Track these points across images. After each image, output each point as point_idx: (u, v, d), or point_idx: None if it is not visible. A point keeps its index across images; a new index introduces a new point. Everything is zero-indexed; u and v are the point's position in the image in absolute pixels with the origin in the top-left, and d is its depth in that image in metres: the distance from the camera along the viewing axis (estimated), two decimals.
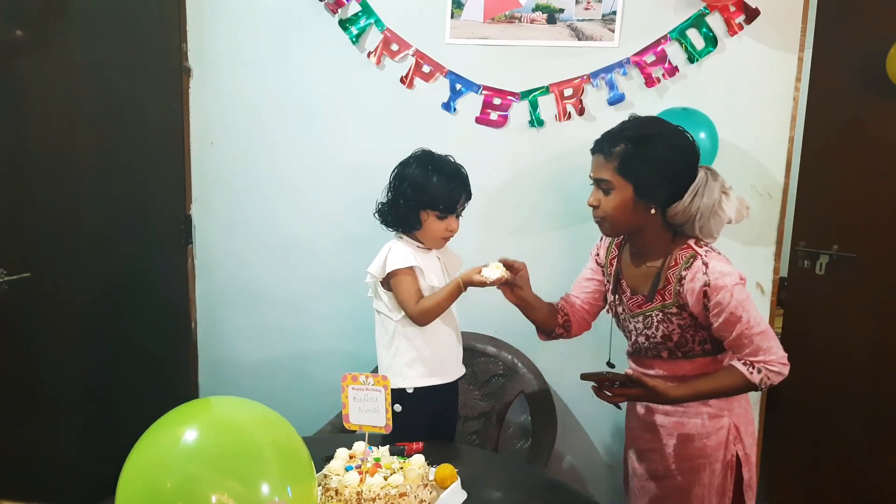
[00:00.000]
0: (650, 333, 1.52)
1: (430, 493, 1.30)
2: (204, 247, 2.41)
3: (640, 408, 1.61)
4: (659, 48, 2.06)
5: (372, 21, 2.17)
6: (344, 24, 2.18)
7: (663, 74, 2.07)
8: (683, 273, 1.44)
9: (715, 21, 2.03)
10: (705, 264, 1.41)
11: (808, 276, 2.35)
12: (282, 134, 2.30)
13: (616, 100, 2.10)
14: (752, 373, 1.40)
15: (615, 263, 1.64)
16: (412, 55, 2.17)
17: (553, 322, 1.73)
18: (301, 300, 2.38)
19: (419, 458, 1.34)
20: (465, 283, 1.57)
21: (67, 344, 1.95)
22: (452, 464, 1.38)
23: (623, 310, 1.61)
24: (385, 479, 1.26)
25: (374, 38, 2.18)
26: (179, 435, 0.88)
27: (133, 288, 2.19)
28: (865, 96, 2.26)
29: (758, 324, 1.40)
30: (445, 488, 1.32)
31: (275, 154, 2.32)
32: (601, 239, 1.71)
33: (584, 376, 1.48)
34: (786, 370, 1.41)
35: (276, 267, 2.38)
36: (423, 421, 1.68)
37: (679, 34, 2.05)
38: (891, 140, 2.26)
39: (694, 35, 2.05)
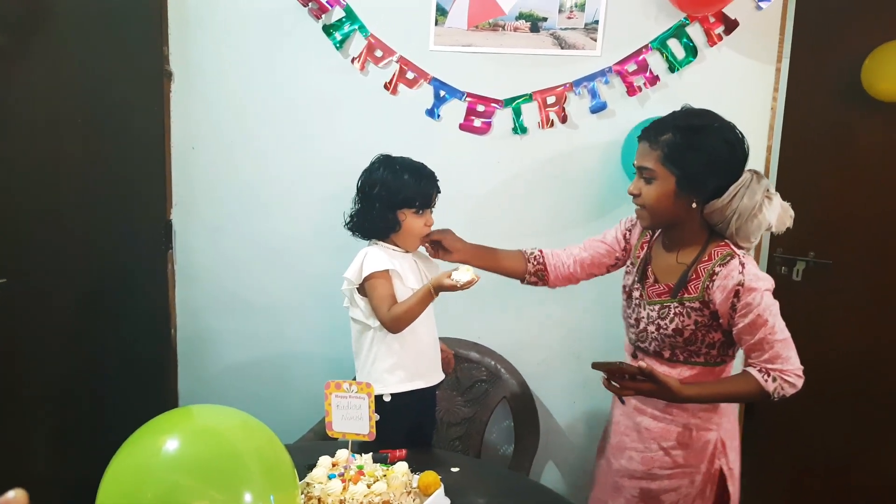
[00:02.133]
0: (662, 324, 1.48)
1: (414, 500, 1.29)
2: (185, 252, 2.38)
3: (629, 405, 1.59)
4: (640, 57, 2.09)
5: (356, 27, 2.17)
6: (328, 29, 2.18)
7: (644, 83, 2.10)
8: (717, 269, 1.41)
9: (695, 31, 2.07)
10: (742, 264, 1.39)
11: (785, 283, 2.39)
12: (264, 139, 2.29)
13: (598, 108, 2.13)
14: (766, 381, 1.38)
15: (645, 248, 1.61)
16: (396, 61, 2.17)
17: (519, 269, 1.74)
18: (283, 306, 2.37)
19: (402, 466, 1.34)
20: (436, 289, 1.56)
21: (46, 350, 1.92)
22: (436, 471, 1.38)
23: (640, 295, 1.56)
24: (368, 486, 1.26)
25: (358, 43, 2.19)
26: (161, 444, 0.87)
27: (113, 293, 2.16)
28: (842, 106, 2.30)
29: (781, 331, 1.39)
30: (429, 495, 1.32)
31: (257, 159, 2.31)
32: (636, 218, 1.65)
33: (596, 365, 1.45)
34: (800, 383, 1.39)
35: (257, 273, 2.36)
36: (401, 427, 1.67)
37: (660, 44, 2.08)
38: (866, 148, 2.31)
39: (674, 45, 2.08)
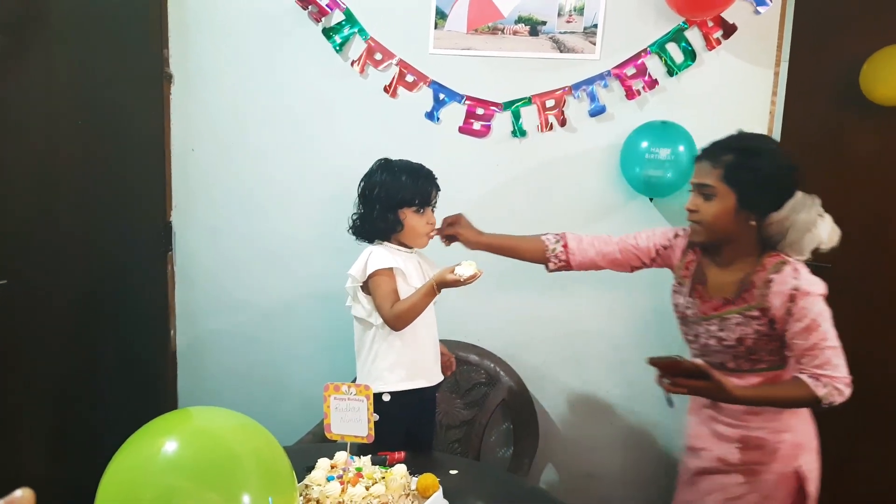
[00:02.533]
0: (723, 336, 1.51)
1: (412, 502, 1.30)
2: (184, 254, 2.39)
3: (706, 412, 1.60)
4: (639, 61, 2.10)
5: (356, 30, 2.18)
6: (328, 32, 2.19)
7: (643, 87, 2.10)
8: (772, 276, 1.46)
9: (694, 36, 2.08)
10: (796, 270, 1.45)
11: None
12: (263, 141, 2.30)
13: (597, 111, 2.13)
14: (817, 386, 1.40)
15: (692, 267, 1.64)
16: (396, 64, 2.18)
17: (539, 257, 1.76)
18: (282, 308, 2.37)
19: (401, 468, 1.34)
20: (439, 285, 1.57)
21: (45, 352, 1.92)
22: (434, 473, 1.38)
23: (694, 312, 1.60)
24: (367, 489, 1.26)
25: (357, 47, 2.19)
26: (159, 446, 0.87)
27: (112, 295, 2.16)
28: (840, 110, 2.31)
29: (833, 339, 1.42)
30: (427, 498, 1.32)
31: (256, 162, 2.32)
32: (675, 235, 1.68)
33: (652, 361, 1.47)
34: (848, 392, 1.41)
35: (256, 274, 2.37)
36: (400, 428, 1.68)
37: (659, 48, 2.09)
38: (865, 153, 2.32)
39: (673, 49, 2.09)
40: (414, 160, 1.72)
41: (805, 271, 1.46)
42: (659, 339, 2.18)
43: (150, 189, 2.31)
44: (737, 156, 1.49)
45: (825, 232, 1.49)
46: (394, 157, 1.73)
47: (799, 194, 1.50)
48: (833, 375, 1.41)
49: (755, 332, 1.48)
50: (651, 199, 2.11)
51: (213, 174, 2.34)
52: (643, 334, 2.20)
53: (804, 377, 1.42)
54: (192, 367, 2.45)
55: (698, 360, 1.50)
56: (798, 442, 1.52)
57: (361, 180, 1.71)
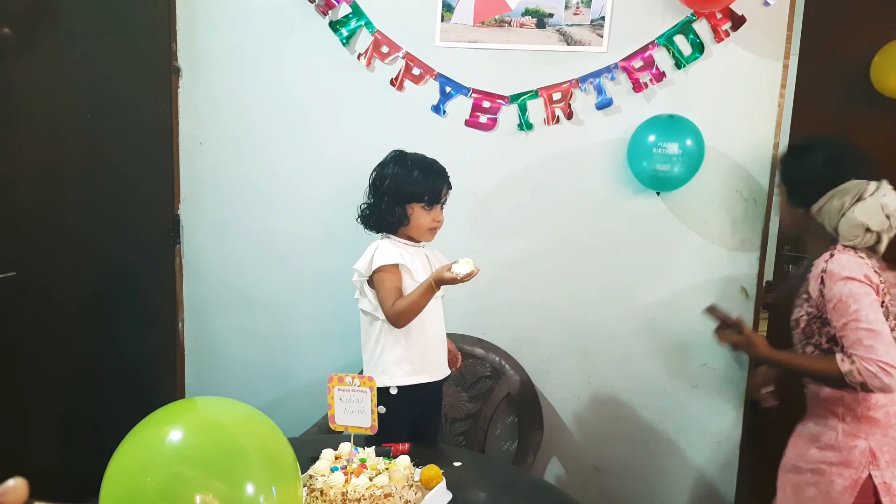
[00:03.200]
0: (791, 317, 1.59)
1: (416, 493, 1.30)
2: (192, 247, 2.40)
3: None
4: (647, 53, 2.08)
5: (362, 23, 2.17)
6: (334, 25, 2.19)
7: (651, 80, 2.09)
8: (814, 262, 1.52)
9: (702, 28, 2.06)
10: (831, 254, 1.48)
11: None
12: (271, 134, 2.30)
13: (604, 104, 2.12)
14: (843, 361, 1.40)
15: None
16: (402, 57, 2.17)
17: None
18: (288, 301, 2.38)
19: (404, 459, 1.35)
20: (437, 282, 1.57)
21: (53, 343, 1.94)
22: (438, 465, 1.38)
23: None
24: (370, 479, 1.27)
25: (364, 39, 2.19)
26: (164, 435, 0.88)
27: (120, 288, 2.18)
28: (849, 103, 2.29)
29: (868, 321, 1.40)
30: (431, 489, 1.33)
31: (263, 155, 2.32)
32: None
33: (709, 309, 1.64)
34: (886, 378, 1.36)
35: (264, 268, 2.38)
36: (406, 422, 1.69)
37: (666, 40, 2.07)
38: (875, 145, 2.29)
39: (681, 41, 2.07)
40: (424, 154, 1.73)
41: (841, 255, 1.47)
42: (664, 333, 2.18)
43: (158, 182, 2.33)
44: (785, 153, 1.65)
45: (864, 214, 1.47)
46: (407, 150, 1.73)
47: (850, 182, 1.50)
48: (864, 356, 1.38)
49: (806, 315, 1.53)
50: (658, 194, 2.10)
51: (221, 168, 2.35)
52: (649, 328, 2.19)
53: (836, 354, 1.43)
54: (199, 360, 2.47)
55: (737, 315, 1.62)
56: (875, 451, 1.47)
57: (374, 170, 1.72)
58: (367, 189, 1.72)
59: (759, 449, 2.36)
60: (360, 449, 1.39)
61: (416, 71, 2.18)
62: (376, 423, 1.34)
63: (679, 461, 2.23)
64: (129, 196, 2.19)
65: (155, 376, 2.38)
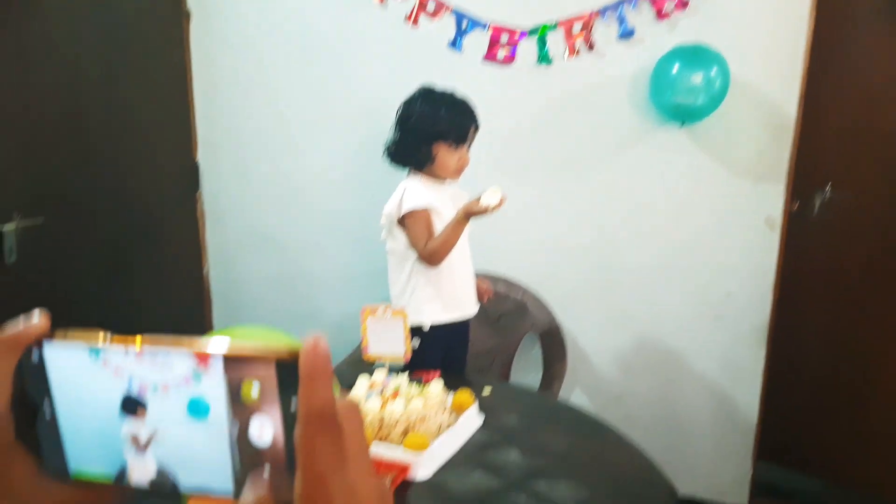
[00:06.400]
0: None
1: (449, 417, 1.34)
2: (213, 193, 2.41)
3: None
4: None
5: None
6: None
7: (674, 7, 2.03)
8: None
9: None
10: None
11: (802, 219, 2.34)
12: (285, 76, 2.28)
13: (626, 34, 2.07)
14: None
15: None
16: None
17: None
18: (313, 244, 2.40)
19: (438, 385, 1.38)
20: (467, 215, 1.58)
21: (81, 288, 1.98)
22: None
23: None
24: (406, 404, 1.30)
25: None
26: None
27: (145, 235, 2.21)
28: (881, 22, 2.21)
29: None
30: (463, 413, 1.36)
31: (279, 96, 2.31)
32: None
33: None
34: None
35: (286, 212, 2.39)
36: (436, 357, 1.72)
37: None
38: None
39: None
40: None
41: None
42: (688, 265, 2.19)
43: (176, 129, 2.33)
44: None
45: None
46: (436, 87, 1.71)
47: None
48: None
49: None
50: (682, 125, 2.07)
51: (237, 112, 2.33)
52: (672, 261, 2.20)
53: None
54: (226, 304, 2.51)
55: None
56: None
57: (401, 105, 1.70)
58: (394, 124, 1.70)
59: (782, 376, 2.39)
60: (393, 376, 1.42)
61: (431, 5, 2.13)
62: (410, 352, 1.37)
63: (702, 389, 2.26)
64: (147, 142, 2.19)
65: (184, 322, 2.43)
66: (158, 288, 2.27)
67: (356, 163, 2.28)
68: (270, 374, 0.33)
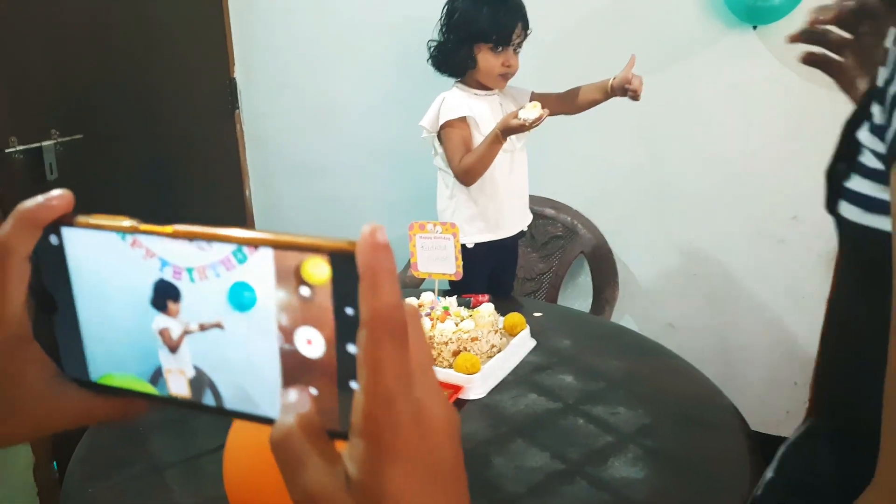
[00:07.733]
0: None
1: (500, 338, 1.29)
2: (252, 114, 2.34)
3: None
4: None
5: None
6: None
7: None
8: None
9: None
10: None
11: None
12: None
13: None
14: None
15: None
16: None
17: None
18: (355, 168, 2.33)
19: (488, 306, 1.33)
20: (504, 132, 1.45)
21: (122, 205, 1.96)
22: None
23: None
24: (456, 325, 1.25)
25: None
26: None
27: (184, 152, 2.17)
28: None
29: None
30: (515, 336, 1.31)
31: (315, 11, 2.18)
32: None
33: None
34: None
35: (327, 135, 2.32)
36: (482, 275, 1.66)
37: None
38: None
39: None
40: None
41: None
42: (751, 185, 2.05)
43: (211, 43, 2.24)
44: None
45: None
46: None
47: None
48: None
49: None
50: (754, 28, 1.88)
51: (273, 28, 2.23)
52: (733, 181, 2.05)
53: None
54: (269, 229, 2.49)
55: None
56: None
57: (446, 2, 1.57)
58: (439, 22, 1.58)
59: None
60: (441, 298, 1.37)
61: None
62: (461, 269, 1.30)
63: (760, 319, 2.16)
64: (183, 58, 2.12)
65: None
66: (200, 209, 2.25)
67: (396, 80, 2.16)
68: (322, 269, 0.26)
